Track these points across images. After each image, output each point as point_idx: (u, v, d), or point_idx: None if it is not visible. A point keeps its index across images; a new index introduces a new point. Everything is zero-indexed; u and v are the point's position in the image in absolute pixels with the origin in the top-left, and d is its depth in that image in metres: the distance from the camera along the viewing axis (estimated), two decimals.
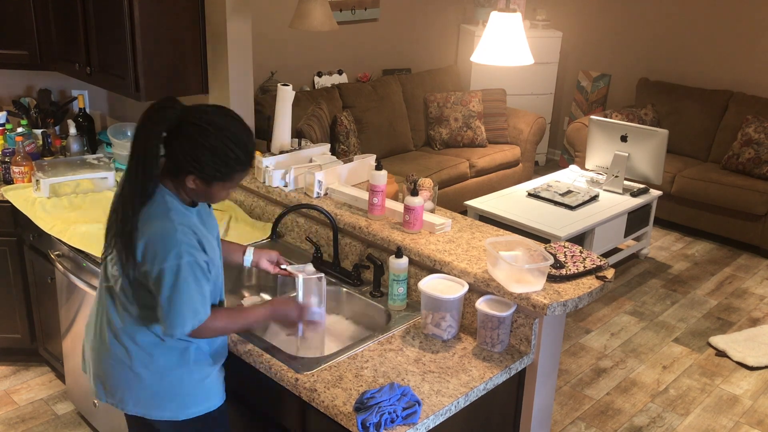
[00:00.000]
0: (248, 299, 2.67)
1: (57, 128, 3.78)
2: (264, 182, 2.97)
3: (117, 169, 3.45)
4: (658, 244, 5.54)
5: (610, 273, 2.30)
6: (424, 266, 2.45)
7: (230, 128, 1.88)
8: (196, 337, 1.97)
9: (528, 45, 3.20)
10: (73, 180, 3.26)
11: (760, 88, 5.93)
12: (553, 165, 7.11)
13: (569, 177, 5.16)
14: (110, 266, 2.01)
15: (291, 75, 5.48)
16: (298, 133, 3.14)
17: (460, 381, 2.06)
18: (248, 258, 2.36)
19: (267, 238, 2.90)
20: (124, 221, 1.88)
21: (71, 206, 3.16)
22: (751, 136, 5.54)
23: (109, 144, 3.61)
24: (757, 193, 5.25)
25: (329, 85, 5.63)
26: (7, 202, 3.26)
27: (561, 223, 4.39)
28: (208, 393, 2.08)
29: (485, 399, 2.13)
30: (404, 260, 2.39)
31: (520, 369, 2.22)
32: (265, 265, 2.38)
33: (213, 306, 2.01)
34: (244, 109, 3.18)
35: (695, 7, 6.19)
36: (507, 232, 2.60)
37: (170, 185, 1.93)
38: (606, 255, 4.91)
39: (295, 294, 2.29)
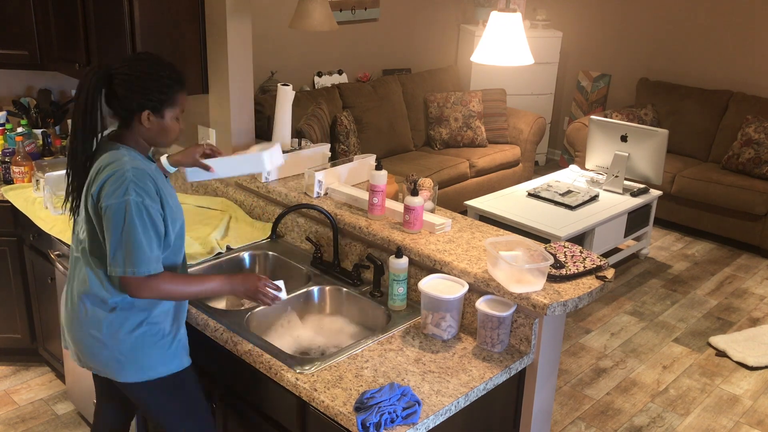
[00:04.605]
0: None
1: (57, 128, 3.78)
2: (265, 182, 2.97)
3: None
4: (658, 244, 5.54)
5: (610, 273, 2.30)
6: (424, 266, 2.45)
7: (151, 57, 2.05)
8: (140, 294, 1.99)
9: (528, 45, 3.20)
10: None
11: (760, 88, 5.93)
12: (553, 165, 7.11)
13: (569, 177, 5.16)
14: (80, 231, 2.08)
15: (291, 75, 5.48)
16: (298, 133, 3.14)
17: (460, 381, 2.06)
18: (165, 163, 2.33)
19: (267, 238, 2.90)
20: (76, 170, 2.05)
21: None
22: (751, 136, 5.54)
23: None
24: (757, 193, 5.25)
25: (329, 85, 5.63)
26: (7, 202, 3.26)
27: (561, 223, 4.39)
28: (173, 354, 2.14)
29: (485, 399, 2.13)
30: (404, 260, 2.39)
31: (520, 369, 2.22)
32: (191, 157, 2.33)
33: (168, 268, 2.08)
34: (244, 109, 3.18)
35: (695, 7, 6.19)
36: (507, 232, 2.60)
37: (128, 140, 2.04)
38: (606, 255, 4.91)
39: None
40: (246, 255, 2.81)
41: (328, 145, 3.19)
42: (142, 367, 2.10)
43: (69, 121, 3.65)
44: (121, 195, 1.92)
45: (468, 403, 2.03)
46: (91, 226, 2.03)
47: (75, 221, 2.15)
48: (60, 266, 2.94)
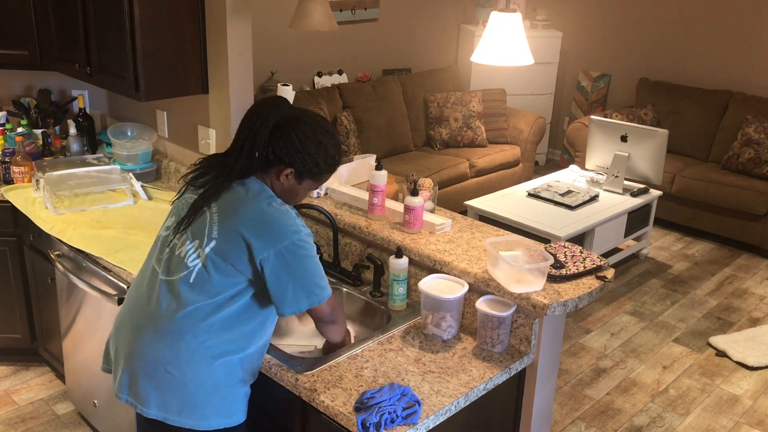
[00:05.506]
0: None
1: (57, 128, 3.78)
2: None
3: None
4: (658, 244, 5.54)
5: (610, 273, 2.30)
6: (424, 266, 2.45)
7: (332, 131, 2.01)
8: (336, 314, 2.05)
9: (528, 45, 3.20)
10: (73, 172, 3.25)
11: (760, 88, 5.93)
12: (553, 165, 7.11)
13: (569, 177, 5.16)
14: (190, 257, 1.93)
15: (291, 75, 5.48)
16: None
17: (460, 381, 2.06)
18: None
19: None
20: (215, 189, 1.94)
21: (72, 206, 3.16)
22: (751, 136, 5.54)
23: (109, 144, 3.61)
24: (757, 193, 5.25)
25: (329, 85, 5.63)
26: (7, 202, 3.26)
27: (561, 223, 4.39)
28: (235, 407, 2.01)
29: (485, 399, 2.13)
30: (404, 260, 2.39)
31: (520, 369, 2.22)
32: None
33: None
34: (244, 109, 3.17)
35: (695, 7, 6.19)
36: (507, 232, 2.60)
37: (259, 178, 1.98)
38: (606, 255, 4.91)
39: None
40: None
41: None
42: (205, 415, 1.94)
43: (69, 121, 3.65)
44: (294, 233, 1.90)
45: (468, 403, 2.03)
46: (222, 257, 1.89)
47: (171, 239, 1.99)
48: (60, 266, 2.94)
